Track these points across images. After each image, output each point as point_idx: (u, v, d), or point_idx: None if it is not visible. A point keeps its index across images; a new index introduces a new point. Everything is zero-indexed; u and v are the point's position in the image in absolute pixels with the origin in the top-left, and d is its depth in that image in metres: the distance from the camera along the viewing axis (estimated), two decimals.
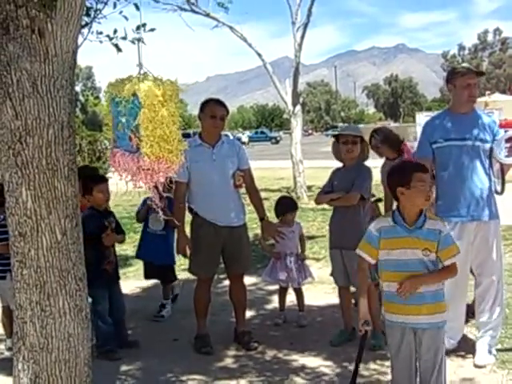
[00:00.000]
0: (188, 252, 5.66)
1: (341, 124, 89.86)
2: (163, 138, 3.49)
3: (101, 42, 4.54)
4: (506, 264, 8.06)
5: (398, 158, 6.21)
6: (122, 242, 6.04)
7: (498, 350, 5.17)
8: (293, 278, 6.23)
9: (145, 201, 6.34)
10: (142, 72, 3.50)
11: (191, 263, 5.73)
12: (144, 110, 3.41)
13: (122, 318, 5.80)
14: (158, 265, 6.61)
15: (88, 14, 4.42)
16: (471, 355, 5.11)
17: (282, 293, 6.45)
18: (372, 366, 5.07)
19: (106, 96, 3.73)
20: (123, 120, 3.56)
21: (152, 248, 6.54)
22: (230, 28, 17.28)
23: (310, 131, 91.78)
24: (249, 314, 6.07)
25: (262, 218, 5.78)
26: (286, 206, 6.43)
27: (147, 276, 6.93)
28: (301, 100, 17.98)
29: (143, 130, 3.43)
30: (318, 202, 6.02)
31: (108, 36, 4.47)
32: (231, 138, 18.85)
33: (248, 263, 5.94)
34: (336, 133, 6.05)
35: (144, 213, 6.51)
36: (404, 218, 3.72)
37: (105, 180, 5.81)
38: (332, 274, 5.81)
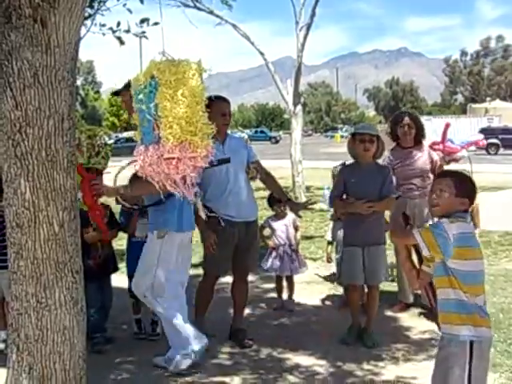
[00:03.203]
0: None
1: (340, 125, 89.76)
2: (185, 119, 3.27)
3: (104, 34, 4.53)
4: (501, 269, 8.11)
5: (414, 148, 6.38)
6: (113, 237, 5.85)
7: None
8: (286, 267, 6.63)
9: (125, 210, 5.86)
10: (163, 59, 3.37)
11: (206, 262, 5.71)
12: (161, 87, 3.25)
13: (106, 312, 5.75)
14: None
15: (91, 6, 4.40)
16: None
17: (279, 281, 6.82)
18: (366, 366, 5.08)
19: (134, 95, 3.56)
20: (145, 109, 3.39)
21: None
22: (233, 26, 17.25)
23: (309, 132, 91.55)
24: (244, 312, 6.05)
25: (288, 199, 5.95)
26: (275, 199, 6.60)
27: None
28: (302, 100, 17.94)
29: (161, 110, 3.25)
30: (336, 209, 6.16)
31: (111, 28, 4.46)
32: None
33: (256, 262, 5.99)
34: (356, 131, 6.02)
35: (134, 223, 5.79)
36: None
37: (99, 173, 5.79)
38: (341, 277, 5.87)
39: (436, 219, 3.64)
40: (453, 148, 6.51)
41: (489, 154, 37.97)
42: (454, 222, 3.47)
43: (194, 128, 3.31)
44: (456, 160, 6.52)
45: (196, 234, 5.59)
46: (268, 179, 5.86)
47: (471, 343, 3.42)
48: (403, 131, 6.37)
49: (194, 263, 7.04)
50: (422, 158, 6.38)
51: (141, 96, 3.39)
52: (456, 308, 3.47)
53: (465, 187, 3.59)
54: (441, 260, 3.47)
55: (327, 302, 6.94)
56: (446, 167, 6.22)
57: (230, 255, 5.60)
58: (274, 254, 6.66)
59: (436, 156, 6.43)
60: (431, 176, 6.26)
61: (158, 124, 3.29)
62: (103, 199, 5.86)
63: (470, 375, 3.43)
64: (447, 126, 6.55)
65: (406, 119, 6.37)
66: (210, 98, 5.62)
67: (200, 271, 6.02)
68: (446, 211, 3.53)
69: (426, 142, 6.61)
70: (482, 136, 7.02)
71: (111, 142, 38.67)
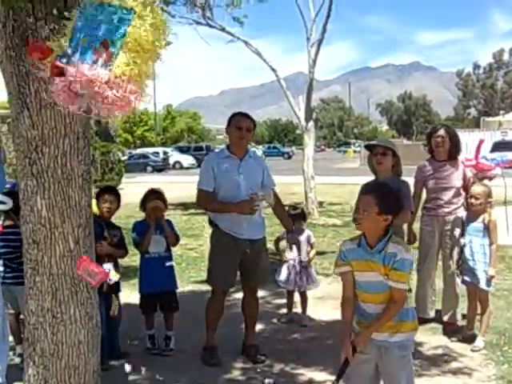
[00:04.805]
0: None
1: (353, 140, 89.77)
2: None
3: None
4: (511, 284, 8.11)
5: (448, 161, 6.37)
6: (121, 256, 5.91)
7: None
8: (292, 282, 6.73)
9: (138, 226, 6.01)
10: None
11: (209, 275, 5.77)
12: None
13: (115, 328, 5.77)
14: (161, 292, 5.96)
15: None
16: (477, 372, 5.21)
17: (290, 295, 6.91)
18: None
19: None
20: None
21: (158, 275, 5.91)
22: (245, 43, 17.35)
23: (322, 147, 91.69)
24: (256, 327, 6.08)
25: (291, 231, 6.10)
26: (292, 215, 6.76)
27: (149, 309, 6.04)
28: (314, 116, 17.98)
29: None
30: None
31: None
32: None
33: (265, 277, 5.97)
34: (368, 143, 6.26)
35: (149, 239, 5.87)
36: None
37: (110, 191, 5.90)
38: None
39: None
40: (486, 165, 6.47)
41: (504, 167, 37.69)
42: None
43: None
44: (489, 178, 6.51)
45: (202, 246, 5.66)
46: (279, 209, 5.95)
47: None
48: (436, 142, 6.36)
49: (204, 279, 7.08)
50: (455, 174, 6.33)
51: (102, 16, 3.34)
52: (406, 315, 3.76)
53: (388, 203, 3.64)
54: None
55: (340, 318, 6.94)
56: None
57: (233, 269, 5.65)
58: (284, 267, 6.75)
59: (470, 173, 6.38)
60: (463, 193, 6.26)
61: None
62: (114, 218, 5.96)
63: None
64: (481, 142, 6.51)
65: (441, 131, 6.37)
66: (232, 115, 5.73)
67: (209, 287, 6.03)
68: (370, 228, 3.66)
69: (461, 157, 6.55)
70: None
71: (125, 158, 38.85)
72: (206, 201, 5.60)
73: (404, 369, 3.73)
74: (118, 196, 5.89)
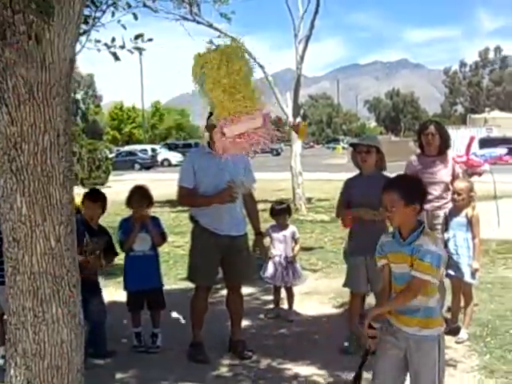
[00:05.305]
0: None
1: (342, 137, 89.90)
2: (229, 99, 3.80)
3: (99, 50, 4.54)
4: (498, 277, 8.16)
5: (438, 157, 6.37)
6: (109, 262, 5.89)
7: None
8: (278, 277, 6.72)
9: (124, 224, 5.99)
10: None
11: (190, 271, 5.74)
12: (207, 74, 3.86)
13: (99, 326, 5.68)
14: (147, 290, 5.93)
15: (86, 22, 4.43)
16: (461, 363, 5.30)
17: (276, 291, 6.91)
18: (366, 375, 5.05)
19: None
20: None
21: (142, 273, 5.87)
22: (232, 39, 17.26)
23: (311, 143, 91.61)
24: (243, 323, 6.05)
25: (258, 233, 5.96)
26: (277, 210, 6.91)
27: (136, 306, 5.99)
28: (302, 112, 17.96)
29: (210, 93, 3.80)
30: (341, 216, 6.07)
31: (106, 44, 4.48)
32: None
33: (248, 274, 5.95)
34: (352, 142, 6.45)
35: (133, 238, 5.83)
36: None
37: (94, 197, 5.85)
38: (346, 284, 5.83)
39: None
40: (476, 161, 6.51)
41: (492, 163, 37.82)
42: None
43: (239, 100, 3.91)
44: (479, 174, 6.53)
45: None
46: (251, 207, 5.91)
47: None
48: (426, 140, 6.38)
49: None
50: (444, 169, 6.35)
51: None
52: (433, 312, 3.75)
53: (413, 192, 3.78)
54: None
55: (327, 313, 6.95)
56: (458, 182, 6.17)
57: (214, 267, 5.63)
58: (269, 263, 6.73)
59: (459, 169, 6.43)
60: (451, 188, 6.28)
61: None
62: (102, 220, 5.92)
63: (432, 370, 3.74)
64: (472, 139, 6.54)
65: (431, 128, 6.37)
66: (210, 112, 5.66)
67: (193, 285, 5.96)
68: (402, 222, 3.74)
69: (450, 153, 6.56)
70: (505, 151, 7.05)
71: (112, 155, 38.65)
72: (187, 197, 5.61)
73: (432, 362, 3.70)
74: (103, 201, 5.83)
